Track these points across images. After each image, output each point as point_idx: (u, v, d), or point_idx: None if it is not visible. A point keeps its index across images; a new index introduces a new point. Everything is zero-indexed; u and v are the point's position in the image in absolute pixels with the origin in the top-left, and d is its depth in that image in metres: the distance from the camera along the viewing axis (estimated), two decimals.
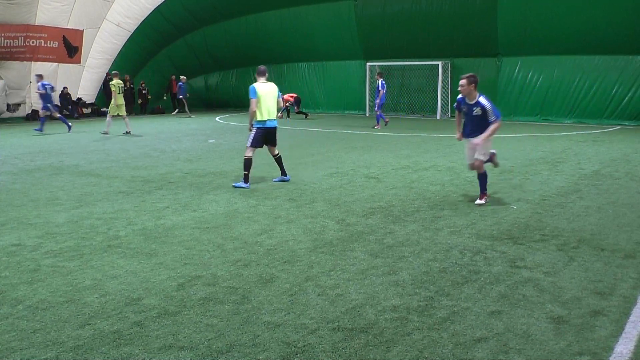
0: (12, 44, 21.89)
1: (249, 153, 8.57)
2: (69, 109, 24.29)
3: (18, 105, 23.30)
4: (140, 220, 6.58)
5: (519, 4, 19.47)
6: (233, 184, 8.61)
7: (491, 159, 7.55)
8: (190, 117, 24.17)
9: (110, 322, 3.79)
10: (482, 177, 7.27)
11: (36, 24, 22.15)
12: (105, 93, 25.54)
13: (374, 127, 18.35)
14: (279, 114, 10.18)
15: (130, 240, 5.78)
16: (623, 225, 6.16)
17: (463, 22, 20.80)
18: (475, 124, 7.19)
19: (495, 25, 20.26)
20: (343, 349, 3.41)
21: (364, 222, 6.40)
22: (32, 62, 22.89)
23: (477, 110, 6.99)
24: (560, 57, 19.73)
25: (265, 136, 8.72)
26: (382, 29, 22.89)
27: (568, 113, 19.98)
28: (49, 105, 17.55)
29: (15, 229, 6.27)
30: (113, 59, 25.62)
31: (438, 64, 21.95)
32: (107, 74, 25.35)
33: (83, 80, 25.17)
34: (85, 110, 25.25)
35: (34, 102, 23.52)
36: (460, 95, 7.24)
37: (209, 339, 3.54)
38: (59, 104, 24.29)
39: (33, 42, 22.29)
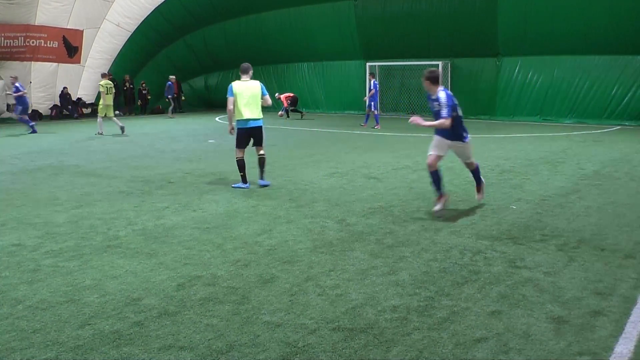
0: (12, 44, 21.90)
1: (238, 154, 8.47)
2: (69, 109, 24.31)
3: None
4: (140, 220, 6.58)
5: (519, 4, 19.47)
6: (232, 185, 8.60)
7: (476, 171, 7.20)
8: (171, 117, 24.10)
9: (110, 322, 3.79)
10: (435, 175, 6.83)
11: (36, 24, 22.16)
12: None
13: (374, 127, 18.36)
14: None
15: (130, 240, 5.78)
16: (623, 225, 6.16)
17: (463, 22, 20.79)
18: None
19: (495, 25, 20.26)
20: (343, 349, 3.41)
21: (364, 222, 6.40)
22: (32, 62, 22.89)
23: (436, 105, 6.69)
24: (560, 57, 19.73)
25: (249, 136, 8.44)
26: (382, 29, 22.88)
27: (568, 113, 19.98)
28: (19, 107, 17.62)
29: (15, 229, 6.27)
30: (113, 59, 25.64)
31: (438, 64, 21.92)
32: (109, 74, 25.35)
33: (83, 80, 25.19)
34: (85, 110, 25.25)
35: (34, 102, 23.61)
36: None
37: (209, 339, 3.54)
38: (60, 104, 24.36)
39: (33, 42, 22.30)
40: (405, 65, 23.07)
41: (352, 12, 23.35)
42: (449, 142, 6.81)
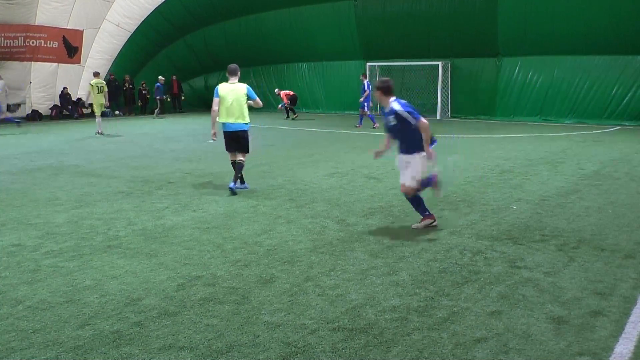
0: (12, 44, 21.89)
1: (230, 157, 8.36)
2: (69, 109, 24.30)
3: (18, 105, 23.30)
4: (140, 221, 6.58)
5: (519, 4, 19.45)
6: (236, 188, 8.37)
7: (431, 182, 6.25)
8: (155, 117, 24.01)
9: (110, 323, 3.79)
10: (414, 201, 6.15)
11: (36, 24, 22.15)
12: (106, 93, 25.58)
13: (373, 127, 18.37)
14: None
15: (130, 240, 5.79)
16: (623, 225, 6.16)
17: (463, 22, 20.78)
18: (402, 137, 5.97)
19: (495, 25, 20.24)
20: (343, 349, 3.41)
21: (364, 222, 6.40)
22: (32, 62, 22.89)
23: (391, 120, 5.89)
24: (560, 57, 19.71)
25: (232, 139, 8.12)
26: (382, 29, 22.87)
27: (568, 113, 19.97)
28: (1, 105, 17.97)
29: (15, 229, 6.27)
30: (113, 59, 25.63)
31: (438, 64, 21.94)
32: (111, 74, 25.37)
33: (83, 80, 25.16)
34: (85, 111, 25.25)
35: (34, 102, 23.61)
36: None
37: (209, 339, 3.54)
38: (59, 104, 24.36)
39: (33, 42, 22.29)
40: (405, 65, 23.07)
41: (352, 12, 23.34)
42: (404, 157, 6.05)
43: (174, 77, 27.34)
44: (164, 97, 25.16)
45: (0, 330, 3.70)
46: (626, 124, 18.51)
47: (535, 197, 7.61)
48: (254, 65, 27.68)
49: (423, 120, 5.79)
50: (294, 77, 26.48)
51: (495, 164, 10.55)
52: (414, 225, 6.12)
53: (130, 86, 26.42)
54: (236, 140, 8.13)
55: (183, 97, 27.97)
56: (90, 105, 19.95)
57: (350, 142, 14.46)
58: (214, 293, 4.31)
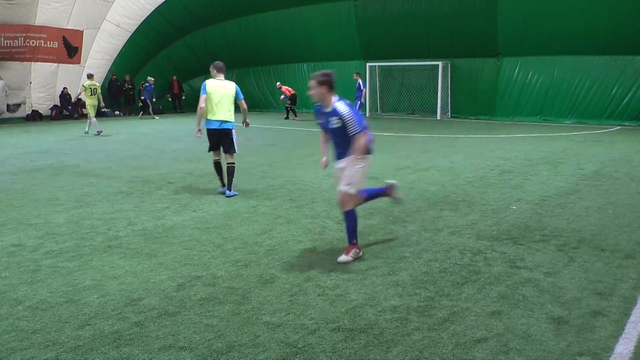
0: (12, 44, 21.89)
1: (213, 157, 8.14)
2: (69, 110, 24.30)
3: (18, 105, 23.31)
4: (140, 221, 6.58)
5: (519, 4, 19.46)
6: (219, 190, 8.13)
7: (384, 192, 5.78)
8: (140, 117, 24.05)
9: (110, 323, 3.79)
10: (348, 218, 5.16)
11: (36, 24, 22.15)
12: (108, 93, 25.57)
13: None
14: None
15: (130, 240, 5.79)
16: (623, 225, 6.16)
17: (463, 22, 20.79)
18: (341, 141, 5.12)
19: (495, 25, 20.25)
20: (343, 349, 3.41)
21: (364, 223, 6.39)
22: (32, 62, 22.90)
23: (334, 121, 4.99)
24: (560, 57, 19.73)
25: (217, 138, 7.89)
26: (382, 29, 22.88)
27: (568, 113, 19.97)
28: None
29: (15, 229, 6.27)
30: (113, 60, 25.62)
31: (438, 64, 21.95)
32: (113, 74, 25.36)
33: (83, 80, 25.16)
34: (84, 111, 25.21)
35: (34, 102, 23.61)
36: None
37: (209, 339, 3.54)
38: (59, 104, 24.36)
39: (33, 43, 22.30)
40: (406, 65, 23.09)
41: (352, 13, 23.34)
42: (341, 162, 5.24)
43: (175, 77, 27.36)
44: (166, 96, 25.12)
45: (0, 330, 3.70)
46: (626, 124, 18.52)
47: (536, 197, 7.61)
48: (254, 66, 27.68)
49: (361, 138, 4.92)
50: (294, 78, 26.48)
51: (495, 164, 10.55)
52: (339, 259, 5.03)
53: (130, 86, 26.41)
54: (222, 140, 7.91)
55: (184, 97, 27.98)
56: (83, 103, 20.06)
57: None
58: (214, 293, 4.31)
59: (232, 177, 7.89)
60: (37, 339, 3.57)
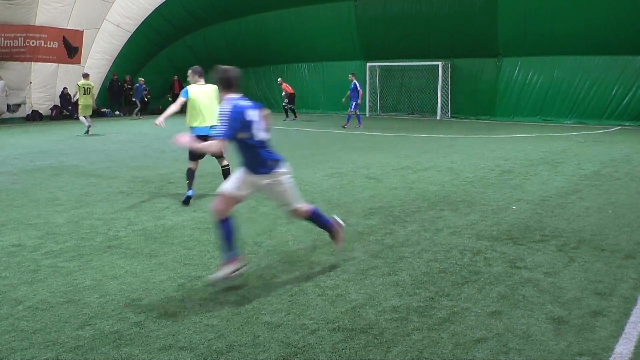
0: (12, 45, 21.90)
1: (190, 164, 7.67)
2: (69, 110, 24.29)
3: (18, 105, 23.31)
4: (140, 221, 6.58)
5: (519, 4, 19.47)
6: (187, 195, 7.59)
7: (330, 227, 4.97)
8: (134, 117, 24.01)
9: (110, 323, 3.79)
10: (225, 230, 4.54)
11: (36, 25, 22.15)
12: (109, 93, 25.57)
13: (352, 126, 18.49)
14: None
15: (130, 240, 5.79)
16: (623, 225, 6.16)
17: (463, 22, 20.79)
18: (238, 148, 4.60)
19: (495, 25, 20.25)
20: (343, 349, 3.41)
21: (364, 223, 6.40)
22: (32, 62, 22.90)
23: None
24: (560, 57, 19.73)
25: None
26: (382, 30, 22.88)
27: (568, 113, 19.98)
28: None
29: (16, 229, 6.27)
30: (113, 60, 25.63)
31: (438, 65, 21.95)
32: (114, 74, 25.35)
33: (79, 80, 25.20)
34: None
35: (34, 102, 23.60)
36: None
37: (209, 340, 3.54)
38: (60, 104, 24.36)
39: (33, 43, 22.30)
40: (406, 65, 23.09)
41: (352, 13, 23.34)
42: (251, 177, 4.58)
43: (176, 77, 27.35)
44: (167, 96, 25.08)
45: (0, 330, 3.70)
46: (626, 124, 18.52)
47: (536, 198, 7.61)
48: (254, 66, 27.68)
49: (212, 143, 4.53)
50: (294, 78, 26.48)
51: (495, 164, 10.55)
52: (210, 277, 4.49)
53: (130, 86, 26.42)
54: None
55: None
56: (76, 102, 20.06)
57: (350, 143, 14.46)
58: (214, 293, 4.31)
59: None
60: (37, 339, 3.57)
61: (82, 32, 23.83)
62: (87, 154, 12.80)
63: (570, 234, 5.85)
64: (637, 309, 3.94)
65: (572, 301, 4.09)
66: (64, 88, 24.17)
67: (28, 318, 3.89)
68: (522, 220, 6.44)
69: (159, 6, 25.08)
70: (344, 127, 18.57)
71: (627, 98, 18.81)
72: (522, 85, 20.78)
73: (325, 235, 5.89)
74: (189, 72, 7.77)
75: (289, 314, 3.92)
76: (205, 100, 7.56)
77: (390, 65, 23.50)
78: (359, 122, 18.98)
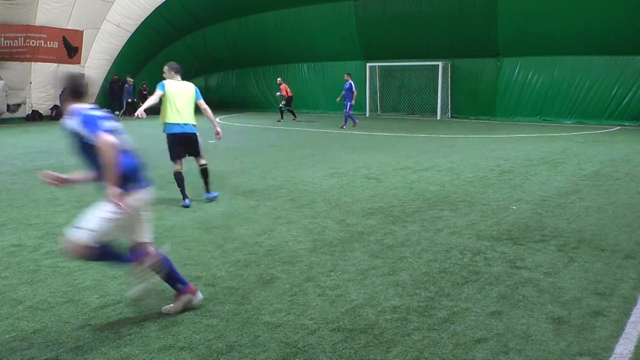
0: (12, 45, 21.89)
1: (175, 167, 7.48)
2: None
3: (18, 105, 23.30)
4: None
5: (519, 4, 19.47)
6: (182, 204, 7.44)
7: (139, 256, 3.79)
8: (117, 115, 24.03)
9: (110, 323, 3.79)
10: (164, 270, 3.89)
11: (36, 25, 22.15)
12: (110, 93, 25.54)
13: (347, 126, 18.51)
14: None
15: None
16: (623, 225, 6.16)
17: (463, 22, 20.80)
18: (86, 160, 4.06)
19: (495, 25, 20.26)
20: (343, 349, 3.41)
21: (364, 223, 6.40)
22: (32, 62, 22.90)
23: (69, 135, 3.87)
24: (560, 57, 19.73)
25: (183, 144, 7.38)
26: (382, 30, 22.88)
27: (568, 113, 19.98)
28: None
29: (16, 229, 6.27)
30: (113, 60, 25.63)
31: (438, 65, 21.96)
32: (114, 74, 25.33)
33: None
34: None
35: (34, 102, 23.61)
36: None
37: (209, 340, 3.54)
38: (60, 104, 24.38)
39: (33, 43, 22.30)
40: (406, 65, 23.10)
41: (352, 13, 23.35)
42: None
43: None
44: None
45: (0, 330, 3.70)
46: (626, 124, 18.52)
47: (536, 198, 7.61)
48: (254, 66, 27.69)
49: (105, 138, 3.60)
50: (294, 78, 26.49)
51: (495, 164, 10.55)
52: (164, 309, 3.93)
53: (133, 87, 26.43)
54: (188, 144, 7.44)
55: None
56: None
57: (350, 143, 14.46)
58: (214, 293, 4.31)
59: (208, 178, 7.68)
60: (37, 339, 3.57)
61: (82, 32, 23.83)
62: None
63: (570, 234, 5.85)
64: (637, 309, 3.94)
65: (572, 301, 4.09)
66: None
67: (28, 318, 3.89)
68: (522, 220, 6.44)
69: (159, 6, 25.09)
70: (342, 127, 18.59)
71: (627, 98, 18.82)
72: (522, 85, 20.79)
73: (325, 235, 5.90)
74: (165, 67, 7.48)
75: (289, 314, 3.92)
76: (181, 96, 7.31)
77: (390, 65, 23.51)
78: (345, 122, 18.87)
